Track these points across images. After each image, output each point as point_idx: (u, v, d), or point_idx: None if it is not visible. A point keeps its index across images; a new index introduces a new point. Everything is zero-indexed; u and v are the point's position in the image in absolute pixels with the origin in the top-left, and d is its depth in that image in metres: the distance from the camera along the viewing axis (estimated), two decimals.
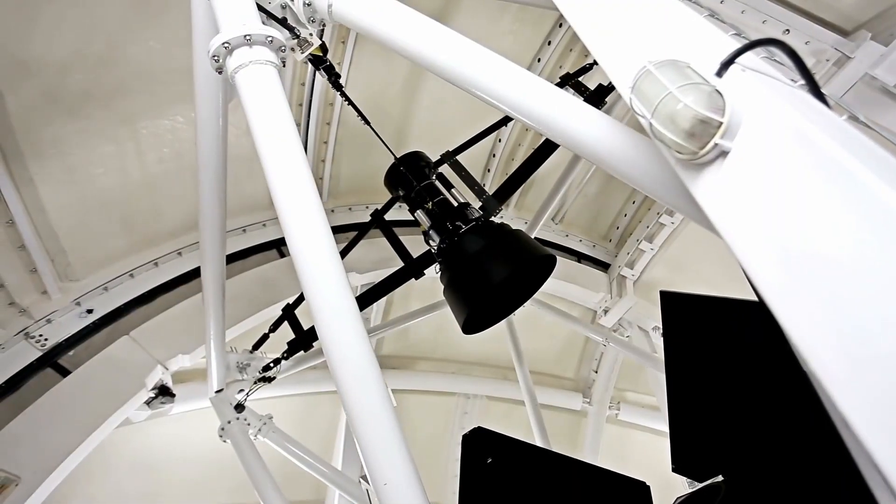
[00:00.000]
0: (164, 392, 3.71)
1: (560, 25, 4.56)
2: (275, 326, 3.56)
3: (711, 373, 2.08)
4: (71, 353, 3.50)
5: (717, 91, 0.88)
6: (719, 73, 0.92)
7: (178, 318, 3.82)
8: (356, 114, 2.84)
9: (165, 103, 3.62)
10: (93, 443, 3.20)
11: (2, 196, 3.05)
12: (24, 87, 2.95)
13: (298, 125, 4.49)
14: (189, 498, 4.50)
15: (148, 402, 3.65)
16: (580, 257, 6.00)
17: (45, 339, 3.42)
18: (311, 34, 2.11)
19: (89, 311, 3.64)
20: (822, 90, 0.96)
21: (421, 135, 4.92)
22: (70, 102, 3.15)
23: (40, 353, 3.37)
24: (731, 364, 2.05)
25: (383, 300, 5.04)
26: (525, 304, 3.07)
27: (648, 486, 2.52)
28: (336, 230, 4.90)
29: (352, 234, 3.57)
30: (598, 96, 3.74)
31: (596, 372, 6.13)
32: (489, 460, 2.27)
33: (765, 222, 0.70)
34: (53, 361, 3.40)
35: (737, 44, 1.01)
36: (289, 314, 3.48)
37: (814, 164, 0.65)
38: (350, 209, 5.02)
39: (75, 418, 3.16)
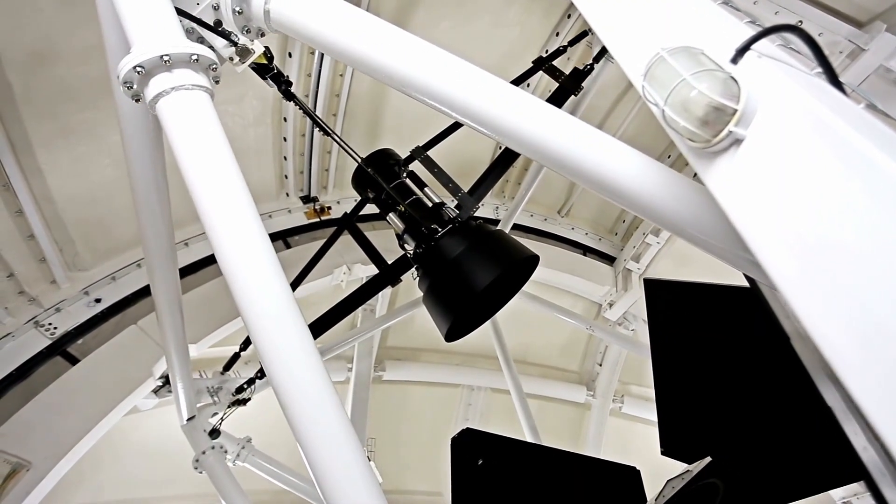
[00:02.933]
0: (170, 381, 3.74)
1: (568, 16, 4.50)
2: (245, 344, 3.39)
3: (695, 357, 2.11)
4: (80, 341, 3.54)
5: (732, 78, 0.86)
6: (734, 60, 0.90)
7: (185, 308, 3.84)
8: (315, 123, 2.73)
9: None
10: (102, 429, 3.24)
11: (11, 186, 3.07)
12: (33, 78, 2.96)
13: (304, 115, 4.48)
14: (198, 484, 4.56)
15: (155, 391, 3.68)
16: (586, 250, 5.98)
17: (55, 328, 3.45)
18: (251, 40, 1.79)
19: (97, 301, 3.68)
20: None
21: (436, 120, 4.90)
22: (78, 93, 3.16)
23: (50, 342, 3.41)
24: (713, 347, 2.07)
25: (388, 289, 5.04)
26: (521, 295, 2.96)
27: (638, 471, 2.55)
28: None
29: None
30: (575, 81, 3.58)
31: (600, 365, 6.14)
32: (480, 462, 2.26)
33: (780, 210, 0.69)
34: (63, 350, 3.44)
35: (751, 31, 0.99)
36: None
37: (833, 152, 0.64)
38: (356, 200, 5.02)
39: (84, 406, 3.20)
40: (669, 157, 5.51)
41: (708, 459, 2.02)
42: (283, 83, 2.35)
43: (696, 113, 0.85)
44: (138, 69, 1.41)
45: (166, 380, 3.73)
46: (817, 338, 0.60)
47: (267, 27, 1.69)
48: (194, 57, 1.46)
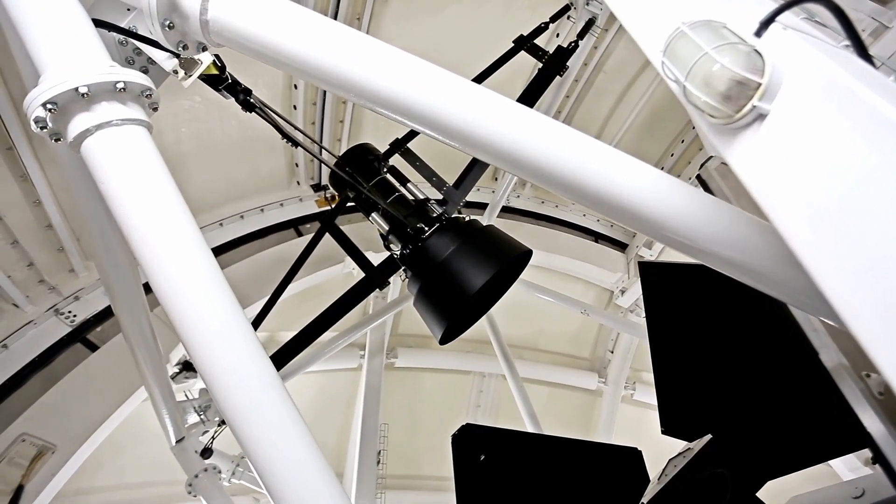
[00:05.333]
0: (187, 367, 3.80)
1: None
2: None
3: (692, 335, 2.12)
4: (98, 329, 3.61)
5: (756, 51, 0.83)
6: (758, 33, 0.87)
7: None
8: (281, 133, 2.51)
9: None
10: (122, 414, 3.33)
11: (29, 177, 3.11)
12: None
13: (314, 103, 4.47)
14: None
15: (172, 377, 3.75)
16: (597, 237, 5.93)
17: (74, 316, 3.53)
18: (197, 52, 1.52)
19: None
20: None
21: None
22: None
23: (70, 329, 3.49)
24: (709, 325, 2.08)
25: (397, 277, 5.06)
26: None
27: (640, 451, 2.56)
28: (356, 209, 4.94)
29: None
30: (559, 60, 3.41)
31: (612, 352, 6.13)
32: (482, 457, 2.25)
33: (807, 185, 0.67)
34: (82, 337, 3.52)
35: (775, 3, 0.96)
36: None
37: (864, 125, 0.62)
38: None
39: (105, 391, 3.28)
40: (672, 154, 5.43)
41: (709, 437, 2.03)
42: (240, 93, 2.12)
43: (719, 88, 0.83)
44: (50, 106, 1.13)
45: (183, 366, 3.80)
46: (845, 315, 0.59)
47: (207, 41, 1.39)
48: (120, 85, 1.18)
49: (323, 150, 3.49)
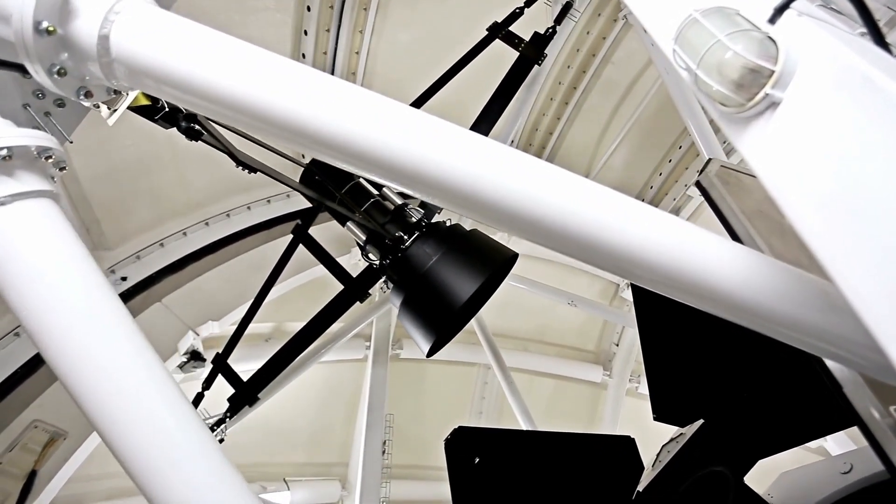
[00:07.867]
0: (195, 357, 3.85)
1: None
2: (208, 383, 3.05)
3: (681, 323, 2.13)
4: None
5: (770, 38, 0.82)
6: (772, 20, 0.86)
7: (207, 286, 3.94)
8: (237, 161, 2.38)
9: None
10: None
11: None
12: None
13: None
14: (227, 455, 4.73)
15: (181, 367, 3.80)
16: None
17: None
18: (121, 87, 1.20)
19: (123, 279, 3.78)
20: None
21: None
22: None
23: None
24: (698, 311, 2.08)
25: None
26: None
27: (633, 439, 2.59)
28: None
29: None
30: (536, 47, 3.18)
31: (617, 345, 6.13)
32: (477, 460, 2.25)
33: (820, 173, 0.66)
34: None
35: None
36: (221, 365, 2.89)
37: (880, 113, 0.61)
38: None
39: None
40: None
41: (700, 421, 2.04)
42: (181, 121, 1.87)
43: (731, 76, 0.82)
44: None
45: (192, 355, 3.84)
46: (860, 309, 0.59)
47: (118, 86, 1.14)
48: (3, 153, 0.94)
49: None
